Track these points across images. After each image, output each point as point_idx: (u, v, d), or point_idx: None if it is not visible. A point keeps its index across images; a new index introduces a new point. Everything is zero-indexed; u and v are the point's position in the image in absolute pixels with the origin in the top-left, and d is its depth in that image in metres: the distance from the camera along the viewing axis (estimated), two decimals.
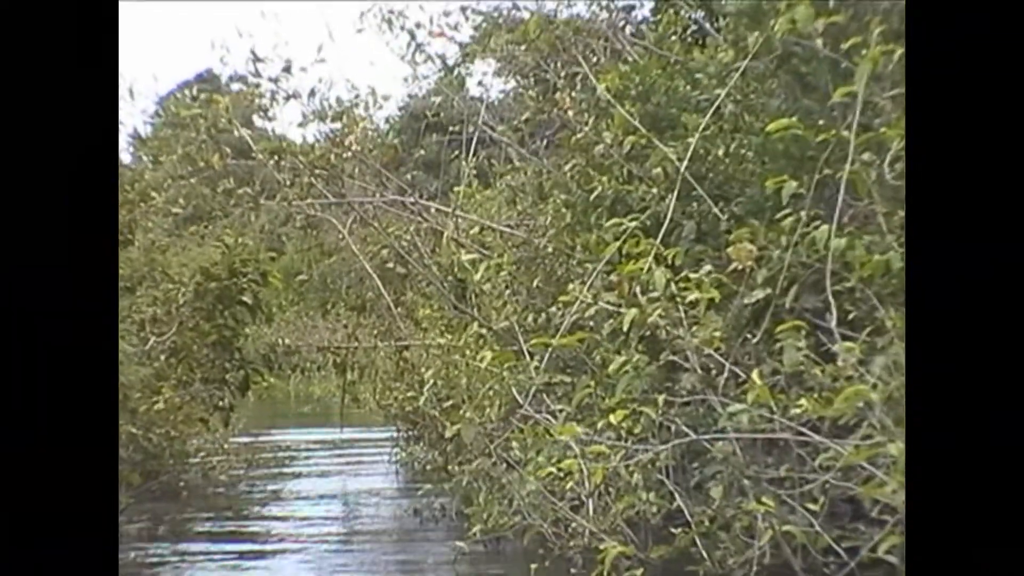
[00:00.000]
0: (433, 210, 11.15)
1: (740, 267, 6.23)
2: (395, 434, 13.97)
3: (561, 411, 7.05)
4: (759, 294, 6.05)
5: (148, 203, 11.89)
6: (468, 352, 8.39)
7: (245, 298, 12.82)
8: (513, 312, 8.13)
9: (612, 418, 5.83)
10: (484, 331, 8.63)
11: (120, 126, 12.41)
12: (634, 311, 5.92)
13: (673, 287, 6.15)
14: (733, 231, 7.15)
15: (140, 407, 10.84)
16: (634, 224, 7.39)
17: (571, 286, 8.31)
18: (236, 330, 12.98)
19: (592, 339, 6.70)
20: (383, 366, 13.00)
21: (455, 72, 10.65)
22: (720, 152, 7.61)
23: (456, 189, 11.64)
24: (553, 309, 8.47)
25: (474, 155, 11.92)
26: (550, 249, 8.98)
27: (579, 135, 8.79)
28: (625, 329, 5.94)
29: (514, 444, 7.72)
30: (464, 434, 7.65)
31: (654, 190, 7.66)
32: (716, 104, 7.09)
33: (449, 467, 9.16)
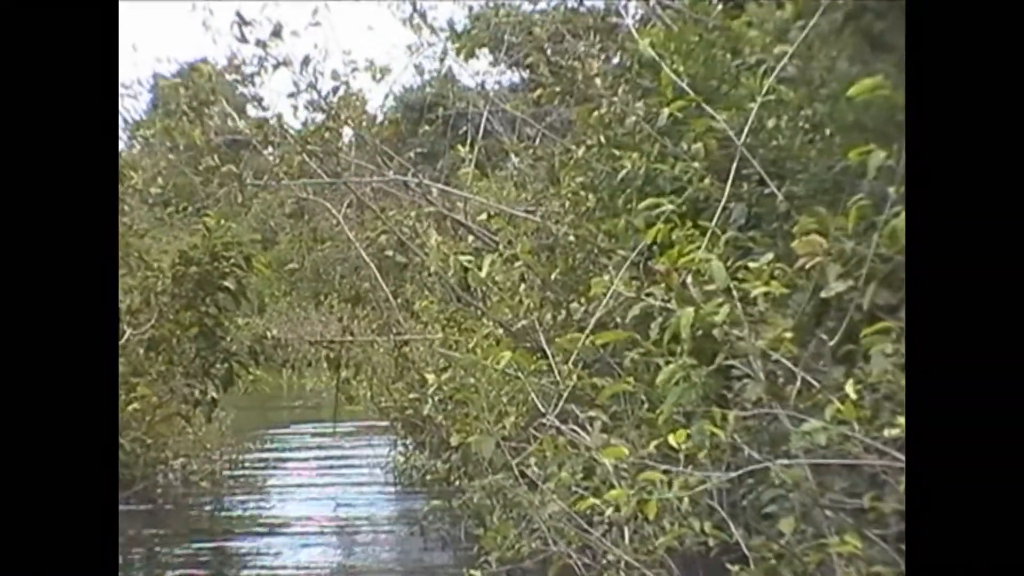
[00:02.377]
0: (437, 193, 10.08)
1: (807, 262, 5.23)
2: (394, 440, 12.97)
3: (593, 419, 6.08)
4: (839, 287, 5.02)
5: (125, 183, 10.93)
6: (480, 351, 7.39)
7: (228, 283, 11.96)
8: (533, 308, 7.09)
9: (673, 439, 4.82)
10: (497, 328, 7.61)
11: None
12: (690, 310, 4.92)
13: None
14: (794, 215, 6.22)
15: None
16: (670, 208, 6.47)
17: (596, 278, 7.41)
18: (219, 319, 12.16)
19: (632, 338, 5.68)
20: (382, 363, 11.97)
21: (463, 41, 9.51)
22: (772, 124, 6.59)
23: (462, 171, 10.61)
24: (575, 304, 7.50)
25: (481, 136, 10.95)
26: (571, 237, 7.98)
27: (603, 110, 7.82)
28: (681, 331, 4.93)
29: (531, 458, 6.74)
30: (482, 448, 6.63)
31: (696, 164, 6.65)
32: (781, 63, 6.07)
33: (456, 479, 8.09)
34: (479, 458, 6.97)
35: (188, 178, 10.48)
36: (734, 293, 5.14)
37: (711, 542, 5.22)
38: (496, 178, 12.14)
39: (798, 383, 4.95)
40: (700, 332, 5.18)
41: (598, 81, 7.84)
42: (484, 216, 10.02)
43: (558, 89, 9.24)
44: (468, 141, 11.15)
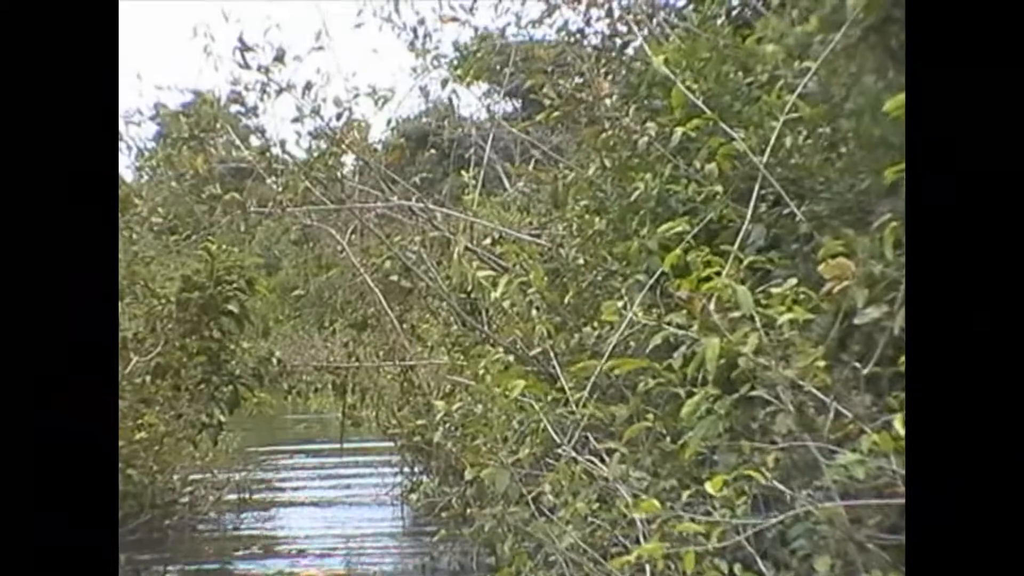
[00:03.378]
0: (441, 217, 9.66)
1: (834, 287, 4.85)
2: (400, 466, 12.53)
3: (611, 451, 5.69)
4: (874, 313, 4.63)
5: (129, 212, 10.61)
6: (489, 378, 6.97)
7: (231, 307, 11.70)
8: (546, 335, 6.68)
9: (710, 488, 4.41)
10: (506, 354, 7.18)
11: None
12: (716, 340, 4.53)
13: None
14: (816, 236, 5.84)
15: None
16: (681, 228, 6.12)
17: (607, 303, 7.02)
18: (223, 343, 11.90)
19: (652, 367, 5.30)
20: (387, 388, 11.56)
21: (466, 65, 9.12)
22: (790, 141, 6.20)
23: (467, 195, 10.21)
24: (587, 329, 7.10)
25: (485, 160, 10.56)
26: (581, 261, 7.58)
27: (612, 130, 7.43)
28: (707, 362, 4.53)
29: (546, 487, 6.34)
30: (497, 482, 6.23)
31: (713, 186, 6.27)
32: (807, 77, 5.69)
33: (465, 506, 7.63)
34: (491, 488, 6.55)
35: (192, 206, 10.11)
36: (756, 320, 4.77)
37: None
38: (496, 204, 11.77)
39: (831, 414, 4.56)
40: (723, 360, 4.80)
41: (608, 101, 7.44)
42: (488, 241, 9.65)
43: (562, 111, 8.86)
44: (470, 166, 10.82)
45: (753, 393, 4.67)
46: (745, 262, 5.28)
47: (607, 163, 7.72)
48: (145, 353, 11.27)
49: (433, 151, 13.27)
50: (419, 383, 10.69)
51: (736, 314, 4.71)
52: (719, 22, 7.91)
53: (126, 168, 13.10)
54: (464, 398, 7.78)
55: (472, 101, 11.16)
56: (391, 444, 12.54)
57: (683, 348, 4.83)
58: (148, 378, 11.29)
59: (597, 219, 7.89)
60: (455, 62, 9.40)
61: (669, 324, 4.91)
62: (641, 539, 5.57)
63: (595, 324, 6.90)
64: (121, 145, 10.61)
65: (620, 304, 6.47)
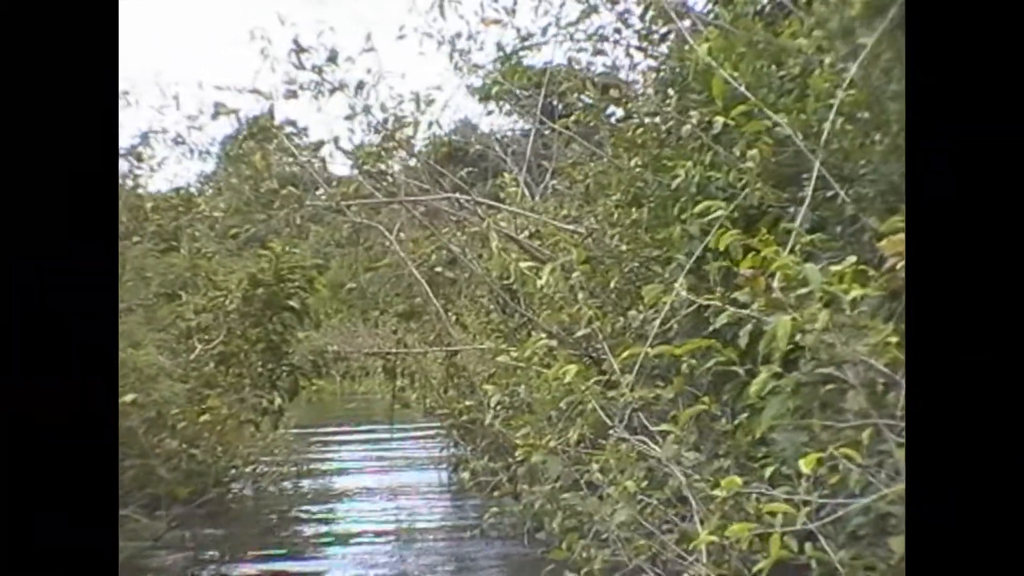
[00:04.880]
0: (483, 210, 9.07)
1: (896, 263, 4.22)
2: (447, 446, 11.96)
3: (662, 433, 5.08)
4: None
5: (192, 211, 10.12)
6: (536, 360, 6.37)
7: (292, 303, 11.49)
8: (593, 318, 6.06)
9: (803, 466, 3.76)
10: (550, 339, 6.56)
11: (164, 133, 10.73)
12: (787, 318, 3.91)
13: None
14: (862, 218, 5.22)
15: (180, 423, 8.92)
16: (723, 213, 5.50)
17: (648, 287, 6.41)
18: (284, 335, 11.57)
19: (707, 347, 4.67)
20: (434, 371, 11.02)
21: (512, 60, 8.51)
22: (829, 126, 5.57)
23: (509, 189, 9.62)
24: (632, 313, 6.49)
25: (527, 157, 10.01)
26: (623, 248, 6.97)
27: (650, 120, 6.85)
28: (778, 340, 3.91)
29: (594, 467, 5.72)
30: (550, 467, 5.63)
31: (751, 167, 5.66)
32: (860, 58, 5.05)
33: (514, 484, 6.98)
34: (544, 474, 5.95)
35: (250, 203, 9.57)
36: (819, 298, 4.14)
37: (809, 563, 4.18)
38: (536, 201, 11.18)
39: (903, 392, 3.94)
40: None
41: (650, 91, 6.84)
42: (526, 234, 9.08)
43: (598, 108, 8.27)
44: (509, 165, 10.33)
45: (822, 371, 4.03)
46: (800, 242, 4.66)
47: (642, 158, 7.16)
48: (209, 342, 10.82)
49: (479, 146, 12.69)
50: (463, 367, 10.12)
51: (802, 291, 4.09)
52: (751, 18, 7.24)
53: (186, 169, 12.67)
54: (511, 381, 7.19)
55: (518, 98, 10.43)
56: (437, 423, 11.98)
57: (748, 326, 4.19)
58: (212, 365, 10.84)
59: (634, 209, 7.33)
60: (499, 63, 8.75)
61: (734, 303, 4.27)
62: (695, 519, 4.98)
63: (639, 308, 6.29)
64: (183, 148, 10.23)
65: (661, 289, 5.94)
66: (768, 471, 4.28)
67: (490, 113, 12.13)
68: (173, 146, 10.77)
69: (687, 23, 7.70)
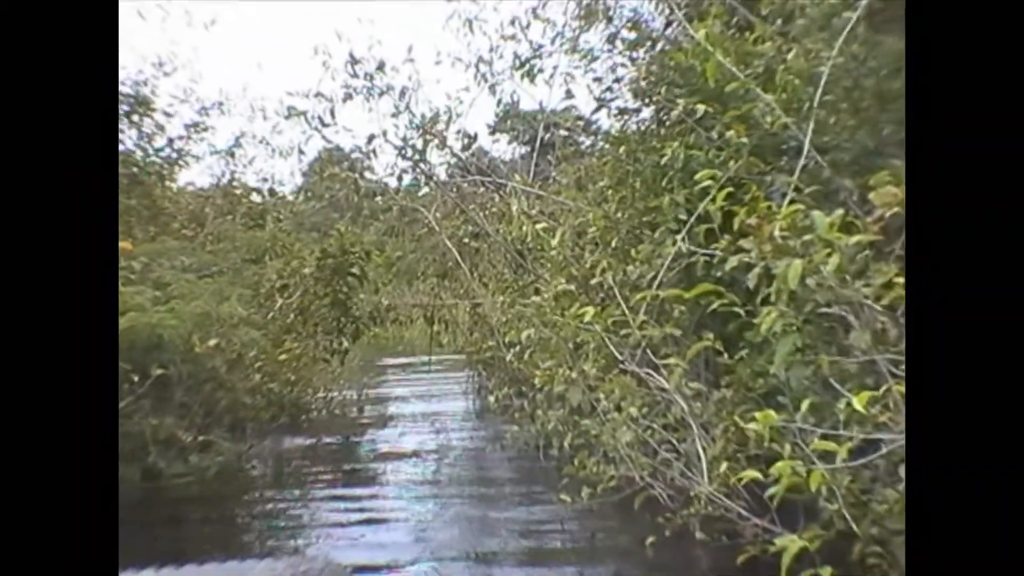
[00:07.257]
0: (508, 189, 8.21)
1: (885, 212, 3.37)
2: (473, 377, 11.21)
3: (672, 367, 4.23)
4: None
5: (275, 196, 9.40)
6: (555, 303, 5.54)
7: (354, 271, 10.76)
8: (604, 269, 5.20)
9: (857, 403, 2.89)
10: (572, 287, 5.72)
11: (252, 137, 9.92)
12: (798, 261, 3.05)
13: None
14: (836, 181, 4.36)
15: (258, 363, 8.14)
16: (711, 183, 4.63)
17: (641, 245, 5.58)
18: (348, 295, 10.81)
19: (716, 291, 3.81)
20: (463, 319, 10.31)
21: (527, 67, 7.61)
22: (809, 103, 4.69)
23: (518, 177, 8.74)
24: (631, 268, 5.64)
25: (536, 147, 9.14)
26: (622, 216, 6.11)
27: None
28: (789, 281, 3.05)
29: (600, 395, 4.89)
30: (571, 396, 4.80)
31: (742, 141, 4.79)
32: (843, 36, 4.17)
33: (535, 413, 6.10)
34: (564, 401, 5.11)
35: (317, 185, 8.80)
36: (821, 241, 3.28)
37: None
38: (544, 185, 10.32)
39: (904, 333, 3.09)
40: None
41: (643, 83, 5.95)
42: (536, 211, 8.21)
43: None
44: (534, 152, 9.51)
45: (827, 310, 3.18)
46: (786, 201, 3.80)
47: (628, 147, 6.29)
48: (288, 297, 10.07)
49: (505, 135, 11.83)
50: (485, 316, 9.32)
51: (807, 237, 3.23)
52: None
53: (264, 163, 11.94)
54: (520, 327, 6.34)
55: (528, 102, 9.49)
56: (464, 358, 11.24)
57: (757, 269, 3.33)
58: (292, 316, 10.08)
59: (623, 188, 6.46)
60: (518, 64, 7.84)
61: (738, 251, 3.41)
62: (699, 443, 4.14)
63: (638, 263, 5.44)
64: (267, 148, 9.58)
65: (657, 243, 5.13)
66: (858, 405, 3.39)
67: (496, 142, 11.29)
68: (260, 146, 10.17)
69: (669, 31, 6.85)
